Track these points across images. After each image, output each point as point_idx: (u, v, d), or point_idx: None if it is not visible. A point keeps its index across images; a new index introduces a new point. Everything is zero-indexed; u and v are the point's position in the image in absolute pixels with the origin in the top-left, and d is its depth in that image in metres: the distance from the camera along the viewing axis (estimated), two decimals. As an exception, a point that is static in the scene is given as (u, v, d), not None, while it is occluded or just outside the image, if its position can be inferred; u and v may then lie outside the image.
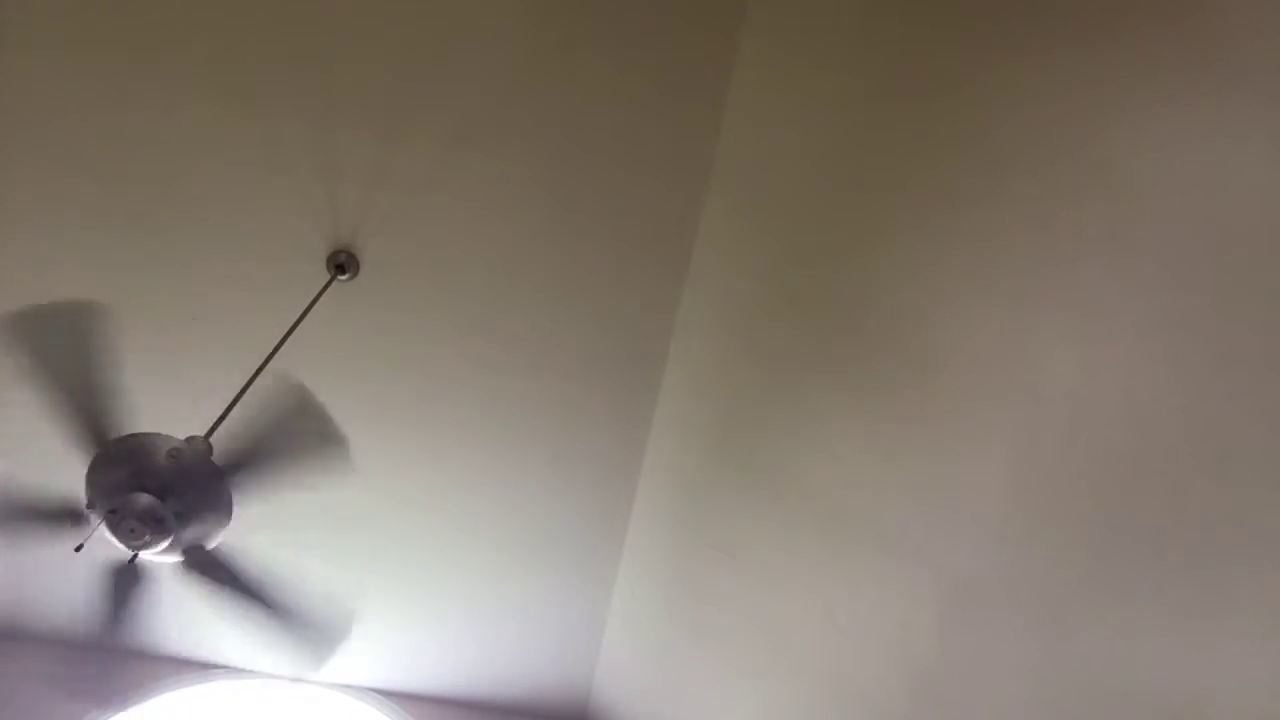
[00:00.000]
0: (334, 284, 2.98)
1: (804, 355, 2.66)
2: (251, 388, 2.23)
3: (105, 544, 1.88)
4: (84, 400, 1.91)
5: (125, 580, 2.11)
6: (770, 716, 3.14)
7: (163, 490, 1.83)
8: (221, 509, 1.99)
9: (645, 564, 3.65)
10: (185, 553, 1.96)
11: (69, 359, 1.89)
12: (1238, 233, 1.50)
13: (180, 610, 3.70)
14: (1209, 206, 1.54)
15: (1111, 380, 1.77)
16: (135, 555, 1.86)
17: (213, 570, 2.12)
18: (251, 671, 4.16)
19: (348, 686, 4.21)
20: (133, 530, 1.78)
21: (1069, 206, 1.80)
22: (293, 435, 2.06)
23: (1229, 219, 1.51)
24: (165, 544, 1.82)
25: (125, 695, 3.89)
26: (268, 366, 2.48)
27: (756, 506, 2.99)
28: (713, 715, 3.46)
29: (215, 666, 4.13)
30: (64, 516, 2.00)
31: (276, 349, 2.52)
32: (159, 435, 1.95)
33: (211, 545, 2.01)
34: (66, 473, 2.04)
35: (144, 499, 1.80)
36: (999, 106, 1.92)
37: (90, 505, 1.87)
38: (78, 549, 1.88)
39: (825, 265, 2.52)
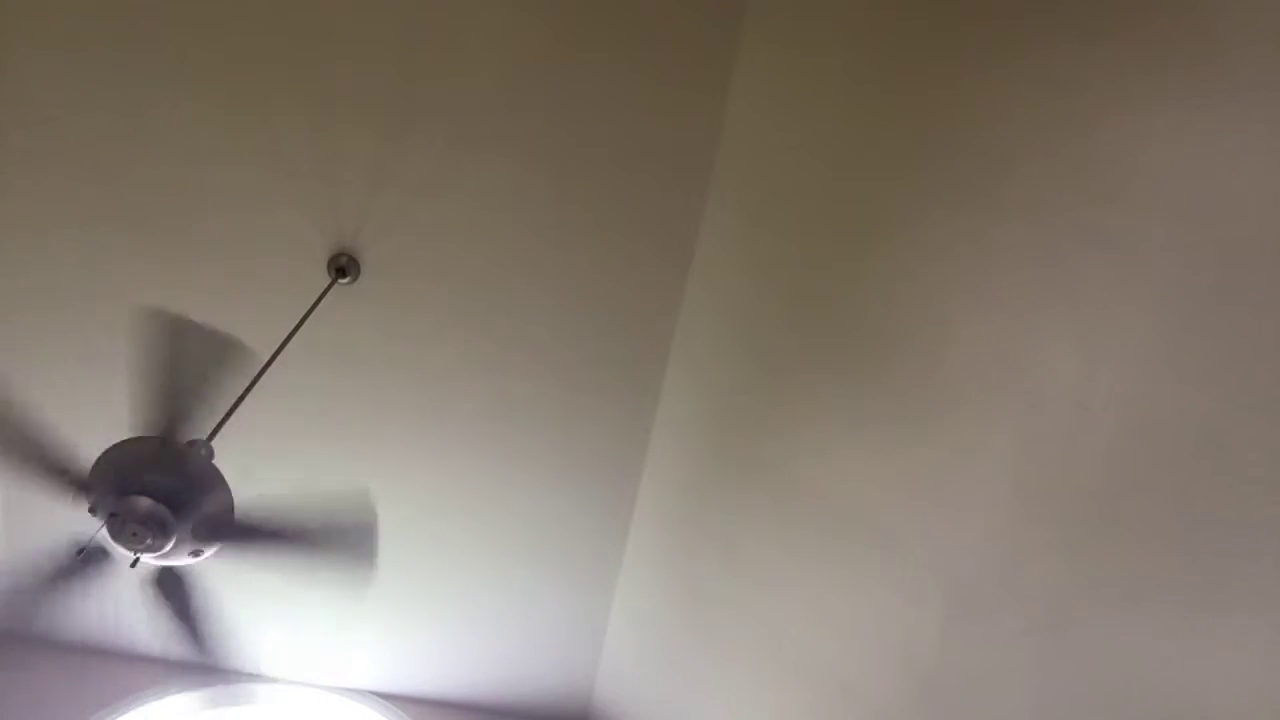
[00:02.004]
0: (335, 287, 2.98)
1: (805, 355, 2.66)
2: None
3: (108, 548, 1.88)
4: (173, 409, 1.92)
5: (83, 566, 2.09)
6: (773, 718, 3.13)
7: (164, 493, 1.83)
8: (223, 512, 1.98)
9: (647, 565, 3.64)
10: (158, 574, 1.97)
11: (189, 373, 1.91)
12: (1238, 230, 1.50)
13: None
14: (1210, 204, 1.54)
15: (1112, 379, 1.77)
16: (136, 559, 1.86)
17: (171, 592, 2.14)
18: (252, 675, 4.16)
19: (348, 689, 4.20)
20: (134, 534, 1.77)
21: (1070, 204, 1.81)
22: (331, 542, 2.09)
23: (1229, 216, 1.51)
24: (167, 547, 1.82)
25: (125, 699, 3.88)
26: (270, 371, 2.48)
27: (758, 507, 2.99)
28: (715, 718, 3.46)
29: (216, 670, 4.12)
30: (64, 475, 1.97)
31: (277, 352, 2.52)
32: (160, 438, 1.95)
33: (211, 550, 2.01)
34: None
35: (145, 502, 1.80)
36: (1000, 103, 1.92)
37: (93, 510, 1.87)
38: (79, 553, 1.88)
39: (826, 264, 2.52)
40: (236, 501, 2.01)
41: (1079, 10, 1.74)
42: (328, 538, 2.10)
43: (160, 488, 1.83)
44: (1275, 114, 1.43)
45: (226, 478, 1.99)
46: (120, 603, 3.80)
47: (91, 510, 1.87)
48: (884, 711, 2.59)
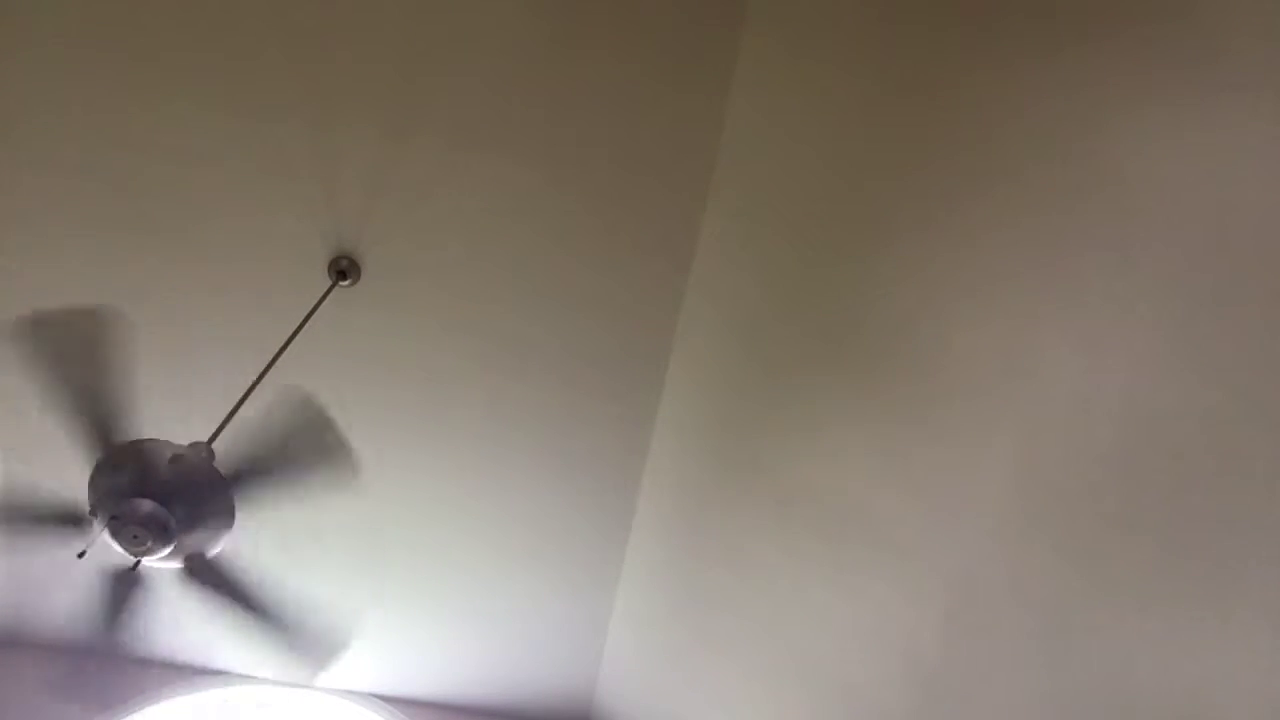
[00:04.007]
0: (335, 290, 2.98)
1: (806, 355, 2.66)
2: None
3: (108, 550, 1.88)
4: (93, 406, 1.92)
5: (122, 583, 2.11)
6: (774, 720, 3.13)
7: (165, 496, 1.83)
8: (224, 515, 1.98)
9: (648, 567, 3.64)
10: (186, 560, 1.96)
11: (81, 364, 1.90)
12: (1239, 230, 1.50)
13: (181, 616, 3.70)
14: (1210, 204, 1.54)
15: (1113, 379, 1.77)
16: (138, 562, 1.86)
17: (212, 578, 2.13)
18: (253, 677, 4.16)
19: (350, 692, 4.20)
20: (135, 537, 1.77)
21: (1070, 205, 1.80)
22: (299, 448, 2.08)
23: (1230, 216, 1.51)
24: (168, 550, 1.81)
25: (126, 702, 3.88)
26: (269, 376, 2.49)
27: (760, 508, 2.98)
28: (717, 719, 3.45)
29: (217, 672, 4.12)
30: (67, 520, 2.00)
31: (278, 355, 2.53)
32: (161, 441, 1.95)
33: (214, 551, 2.01)
34: (72, 477, 2.04)
35: (146, 505, 1.80)
36: (1000, 104, 1.92)
37: (93, 512, 1.87)
38: (80, 555, 1.88)
39: (827, 264, 2.52)
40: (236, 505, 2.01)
41: (1078, 13, 1.74)
42: (295, 452, 2.10)
43: (161, 490, 1.83)
44: (1275, 112, 1.42)
45: (226, 480, 2.00)
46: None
47: (92, 513, 1.87)
48: (885, 713, 2.59)
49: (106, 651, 2.29)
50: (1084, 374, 1.83)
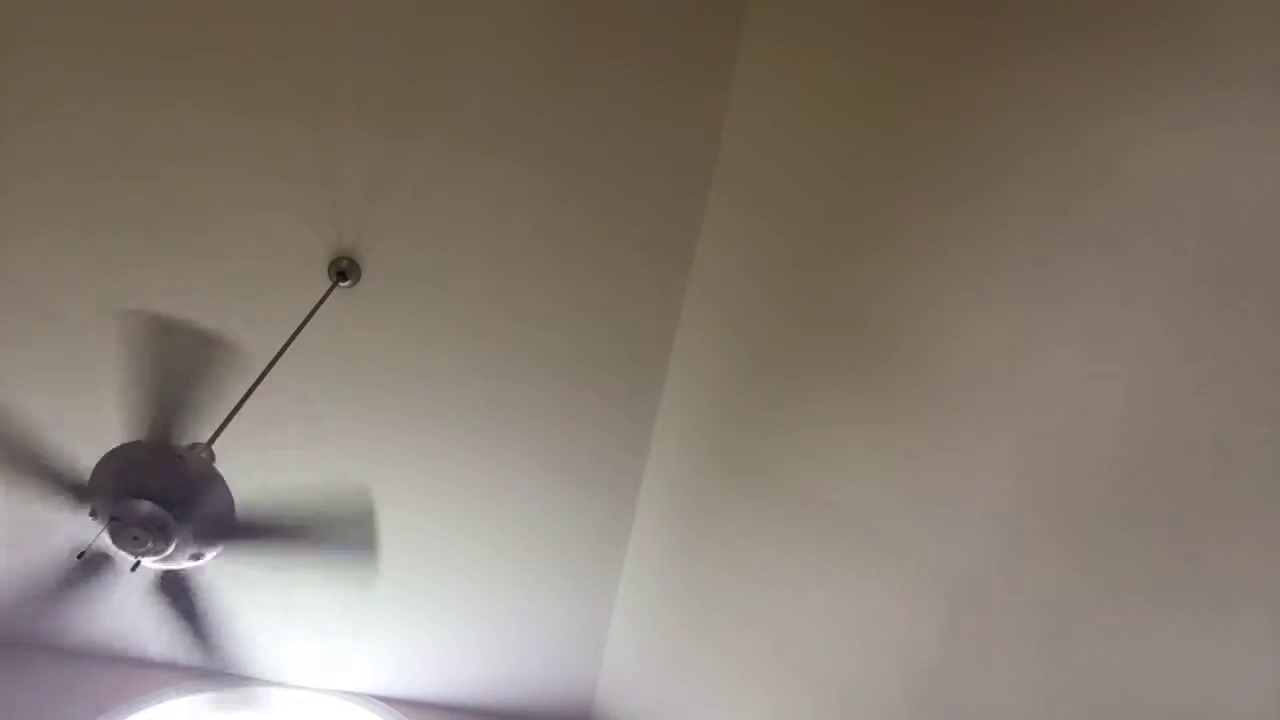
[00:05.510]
0: (335, 290, 2.98)
1: (806, 356, 2.66)
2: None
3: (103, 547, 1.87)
4: (168, 409, 1.92)
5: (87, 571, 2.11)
6: (775, 720, 3.12)
7: (165, 497, 1.83)
8: (223, 516, 1.98)
9: (648, 568, 3.64)
10: (162, 577, 1.97)
11: (181, 373, 1.92)
12: (1239, 230, 1.49)
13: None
14: (1210, 203, 1.54)
15: (1114, 380, 1.77)
16: (138, 563, 1.86)
17: (176, 596, 2.15)
18: (253, 678, 4.15)
19: (350, 693, 4.20)
20: (135, 538, 1.77)
21: (1070, 204, 1.80)
22: (330, 534, 2.10)
23: (1230, 216, 1.51)
24: (168, 551, 1.81)
25: (125, 702, 3.88)
26: (269, 375, 2.48)
27: (759, 509, 2.98)
28: None
29: (217, 673, 4.12)
30: (65, 485, 1.98)
31: (278, 356, 2.53)
32: (161, 442, 1.95)
33: (213, 554, 2.01)
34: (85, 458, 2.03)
35: (145, 506, 1.80)
36: (1000, 103, 1.92)
37: (93, 513, 1.87)
38: (80, 556, 1.88)
39: (828, 265, 2.52)
40: (237, 504, 2.01)
41: (1077, 10, 1.74)
42: (327, 534, 2.11)
43: (161, 491, 1.83)
44: (1274, 111, 1.42)
45: (227, 480, 1.99)
46: (122, 606, 3.79)
47: (92, 514, 1.87)
48: (885, 713, 2.59)
49: (43, 630, 2.30)
50: (1084, 374, 1.83)
